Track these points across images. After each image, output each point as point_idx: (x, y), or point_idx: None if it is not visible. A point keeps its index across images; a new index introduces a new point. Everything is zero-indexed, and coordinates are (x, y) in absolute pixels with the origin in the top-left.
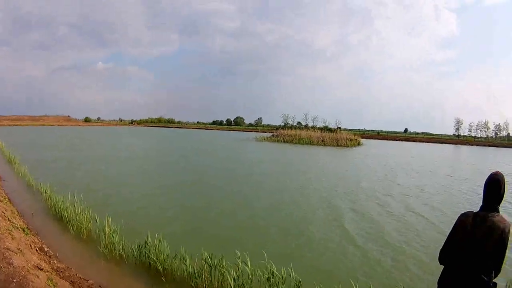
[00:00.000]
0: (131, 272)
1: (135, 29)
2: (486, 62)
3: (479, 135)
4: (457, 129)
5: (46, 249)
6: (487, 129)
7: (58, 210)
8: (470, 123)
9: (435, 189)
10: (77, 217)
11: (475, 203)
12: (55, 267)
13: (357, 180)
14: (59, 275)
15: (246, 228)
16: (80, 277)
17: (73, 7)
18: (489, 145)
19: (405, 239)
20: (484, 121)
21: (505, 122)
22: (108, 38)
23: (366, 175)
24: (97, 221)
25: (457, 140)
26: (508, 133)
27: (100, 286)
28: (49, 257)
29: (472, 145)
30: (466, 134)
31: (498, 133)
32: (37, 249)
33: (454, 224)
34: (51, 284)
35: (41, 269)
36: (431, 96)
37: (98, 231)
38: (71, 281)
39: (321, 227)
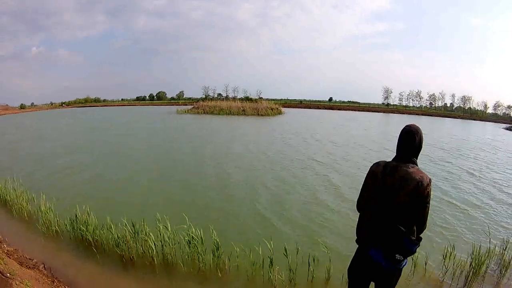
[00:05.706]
0: (67, 246)
1: (67, 12)
2: (419, 34)
3: (411, 105)
4: (386, 98)
5: None
6: (420, 98)
7: (3, 196)
8: (401, 92)
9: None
10: (18, 199)
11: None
12: (6, 251)
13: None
14: (9, 257)
15: (160, 191)
16: (26, 257)
17: None
18: (423, 114)
19: None
20: (417, 91)
21: (440, 92)
22: (44, 23)
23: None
24: (35, 200)
25: (385, 108)
26: (445, 103)
27: (43, 263)
28: (0, 242)
29: (403, 113)
30: (396, 103)
31: (433, 103)
32: None
33: (367, 173)
34: (2, 263)
35: None
36: (359, 68)
37: (36, 211)
38: (19, 262)
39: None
